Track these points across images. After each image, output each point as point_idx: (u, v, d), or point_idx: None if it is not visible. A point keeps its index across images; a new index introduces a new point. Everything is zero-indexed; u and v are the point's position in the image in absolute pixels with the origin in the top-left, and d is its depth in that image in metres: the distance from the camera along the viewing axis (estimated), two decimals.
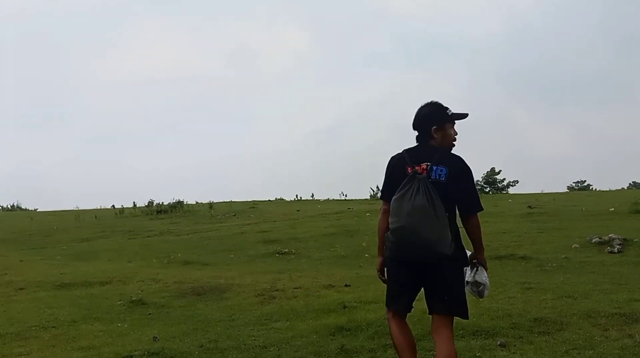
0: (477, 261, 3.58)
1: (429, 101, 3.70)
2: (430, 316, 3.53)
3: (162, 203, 27.12)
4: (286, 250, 13.06)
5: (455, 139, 3.67)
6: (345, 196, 31.14)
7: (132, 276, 9.76)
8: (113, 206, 27.79)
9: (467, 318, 3.51)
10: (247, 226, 19.15)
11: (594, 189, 46.52)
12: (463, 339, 4.75)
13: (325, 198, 31.23)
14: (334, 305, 6.42)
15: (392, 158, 3.66)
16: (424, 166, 3.43)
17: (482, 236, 3.53)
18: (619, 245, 10.24)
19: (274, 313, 6.44)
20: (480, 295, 3.60)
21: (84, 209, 30.89)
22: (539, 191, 30.06)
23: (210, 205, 26.31)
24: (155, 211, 25.58)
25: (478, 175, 41.77)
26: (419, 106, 3.70)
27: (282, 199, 33.06)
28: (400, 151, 3.66)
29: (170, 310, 7.09)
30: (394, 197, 3.43)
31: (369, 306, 6.28)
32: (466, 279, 3.55)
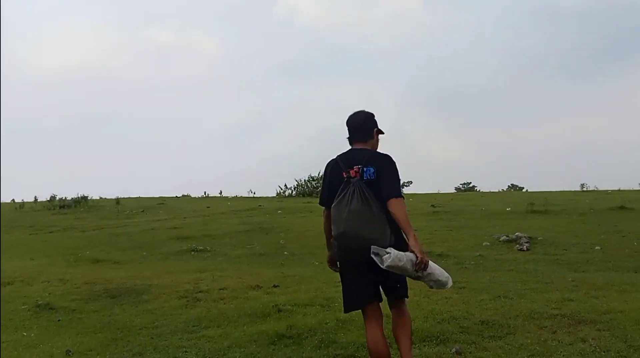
0: (410, 247, 3.38)
1: (360, 109, 3.73)
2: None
3: (65, 197, 25.20)
4: (201, 248, 12.20)
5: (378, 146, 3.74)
6: (254, 193, 30.40)
7: (36, 277, 8.61)
8: (13, 200, 25.44)
9: (407, 296, 3.67)
10: (156, 222, 18.00)
11: (478, 190, 48.55)
12: (415, 346, 4.26)
13: (234, 194, 30.35)
14: (268, 309, 5.75)
15: (328, 164, 3.62)
16: (356, 168, 3.42)
17: (408, 221, 3.37)
18: (527, 242, 10.27)
19: (202, 318, 5.67)
20: (381, 263, 3.30)
21: None
22: (435, 191, 30.78)
23: (117, 201, 24.73)
24: (57, 206, 23.68)
25: None
26: (354, 112, 3.70)
27: (189, 196, 31.80)
28: (334, 157, 3.61)
29: (82, 315, 6.14)
30: (333, 204, 3.43)
31: (306, 310, 5.67)
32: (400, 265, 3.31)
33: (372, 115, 3.69)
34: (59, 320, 5.93)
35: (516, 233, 10.76)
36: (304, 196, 28.77)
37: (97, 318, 6.00)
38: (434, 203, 20.22)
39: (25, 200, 26.30)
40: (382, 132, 3.70)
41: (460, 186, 55.05)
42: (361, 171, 3.42)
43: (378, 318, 3.50)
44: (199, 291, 7.04)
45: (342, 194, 3.38)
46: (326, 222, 3.63)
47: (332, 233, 3.44)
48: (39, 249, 12.83)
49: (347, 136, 3.68)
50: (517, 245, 10.18)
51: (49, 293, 7.21)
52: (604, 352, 4.14)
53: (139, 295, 6.99)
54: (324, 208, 3.64)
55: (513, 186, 52.33)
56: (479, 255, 9.58)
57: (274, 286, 7.15)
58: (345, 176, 3.43)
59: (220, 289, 7.06)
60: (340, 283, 3.65)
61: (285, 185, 30.26)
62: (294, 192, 29.79)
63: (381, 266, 3.27)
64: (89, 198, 25.20)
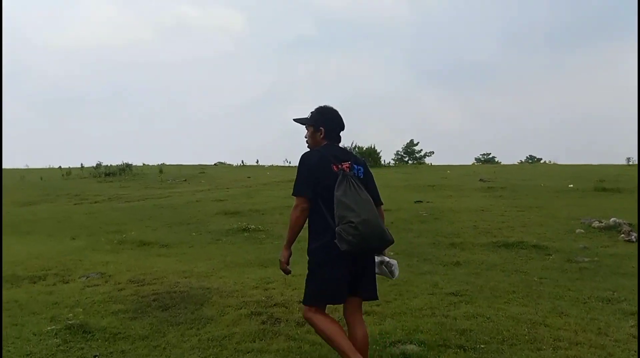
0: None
1: (325, 104, 3.31)
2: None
3: (111, 164, 23.21)
4: (253, 226, 10.03)
5: None
6: (289, 162, 28.19)
7: (73, 268, 6.50)
8: (60, 167, 23.46)
9: (378, 298, 3.19)
10: (200, 193, 15.85)
11: (498, 161, 45.86)
12: None
13: (269, 164, 28.15)
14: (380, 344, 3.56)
15: (309, 155, 3.13)
16: (347, 164, 3.12)
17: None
18: (630, 231, 7.86)
19: None
20: (393, 275, 3.18)
21: (31, 169, 26.34)
22: (453, 163, 28.30)
23: (160, 169, 22.64)
24: (103, 173, 21.68)
25: (398, 146, 39.35)
26: (324, 107, 3.31)
27: (225, 163, 29.69)
28: (313, 150, 3.20)
29: (127, 345, 3.99)
30: (337, 193, 2.95)
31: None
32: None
33: (340, 116, 3.33)
34: (95, 357, 3.79)
35: (612, 219, 8.39)
36: None
37: (146, 351, 3.85)
38: (477, 176, 17.89)
39: (71, 166, 24.37)
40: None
41: (480, 156, 52.38)
42: (351, 167, 3.13)
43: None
44: (274, 305, 4.84)
45: (344, 185, 2.98)
46: (302, 217, 3.09)
47: (347, 219, 2.87)
48: (82, 223, 10.74)
49: (328, 131, 3.26)
50: (622, 234, 7.82)
51: (85, 301, 5.07)
52: None
53: (198, 307, 4.82)
54: (300, 199, 3.07)
55: (532, 158, 49.55)
56: (584, 247, 7.28)
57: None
58: (336, 169, 3.07)
59: (299, 302, 4.87)
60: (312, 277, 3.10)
61: None
62: None
63: (391, 277, 3.20)
64: (133, 166, 23.16)
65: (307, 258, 3.13)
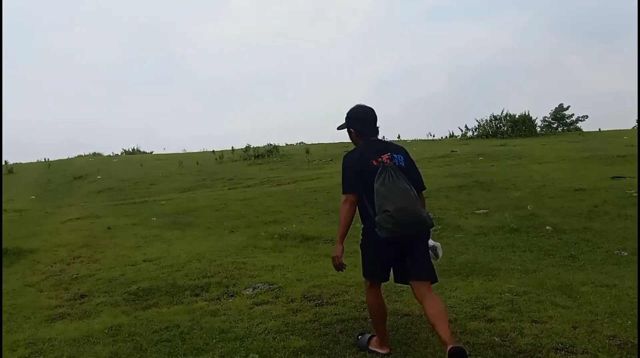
0: None
1: (361, 103, 3.43)
2: (408, 285, 3.23)
3: (258, 146, 23.00)
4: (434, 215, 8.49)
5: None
6: (433, 136, 26.05)
7: (237, 275, 5.46)
8: (213, 151, 23.84)
9: (437, 280, 3.25)
10: None
11: None
12: None
13: (411, 138, 26.26)
14: None
15: (350, 156, 3.30)
16: (386, 156, 3.20)
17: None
18: None
19: None
20: (437, 256, 3.37)
21: (188, 153, 27.33)
22: (610, 128, 24.02)
23: (307, 150, 21.93)
24: (252, 156, 21.48)
25: (545, 112, 34.66)
26: (359, 106, 3.42)
27: None
28: (353, 150, 3.34)
29: None
30: (376, 184, 3.07)
31: None
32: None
33: (374, 113, 3.42)
34: None
35: None
36: (487, 137, 23.86)
37: None
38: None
39: (223, 149, 24.70)
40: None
41: None
42: (391, 158, 3.19)
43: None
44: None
45: (383, 176, 3.08)
46: (351, 210, 3.22)
47: (385, 209, 2.98)
48: (239, 213, 9.98)
49: (359, 130, 3.37)
50: None
51: (257, 330, 3.88)
52: None
53: (409, 348, 3.40)
54: (348, 196, 3.21)
55: None
56: None
57: None
58: (376, 163, 3.15)
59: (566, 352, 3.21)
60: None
61: (466, 126, 25.48)
62: (475, 133, 24.95)
63: (436, 258, 3.34)
64: (279, 146, 22.76)
65: None
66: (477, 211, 8.52)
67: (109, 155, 29.53)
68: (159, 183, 17.66)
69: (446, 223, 7.93)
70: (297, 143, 26.43)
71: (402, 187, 3.03)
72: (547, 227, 7.10)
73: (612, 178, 10.18)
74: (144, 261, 6.40)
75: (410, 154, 3.35)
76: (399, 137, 25.83)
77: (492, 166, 13.41)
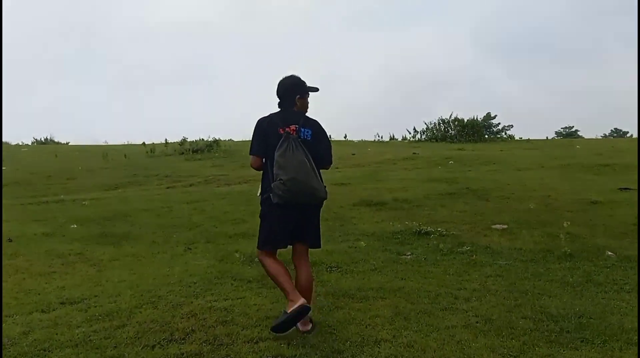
0: None
1: (290, 74, 3.53)
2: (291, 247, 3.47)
3: (200, 138, 20.23)
4: (427, 229, 6.64)
5: (308, 107, 3.55)
6: (381, 137, 24.55)
7: (226, 338, 3.26)
8: (143, 143, 20.84)
9: (320, 247, 3.54)
10: None
11: (581, 135, 40.45)
12: None
13: (358, 139, 24.60)
14: None
15: (262, 120, 3.41)
16: (293, 127, 3.33)
17: None
18: None
19: None
20: None
21: (113, 145, 23.95)
22: (534, 137, 23.83)
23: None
24: (189, 150, 18.81)
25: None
26: (283, 77, 3.51)
27: None
28: (267, 115, 3.43)
29: None
30: (276, 153, 3.25)
31: None
32: None
33: (296, 83, 3.48)
34: None
35: None
36: (437, 140, 22.70)
37: None
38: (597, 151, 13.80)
39: (154, 142, 21.72)
40: (308, 94, 3.54)
41: (562, 130, 46.87)
42: (298, 130, 3.34)
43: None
44: None
45: (284, 146, 3.24)
46: (260, 166, 3.44)
47: (280, 177, 3.20)
48: (189, 220, 7.65)
49: (280, 98, 3.50)
50: None
51: None
52: None
53: None
54: (253, 157, 3.46)
55: (617, 131, 43.79)
56: None
57: None
58: (282, 132, 3.30)
59: None
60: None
61: (415, 128, 24.20)
62: (423, 136, 23.74)
63: None
64: (220, 141, 20.20)
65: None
66: (495, 227, 6.80)
67: (18, 144, 25.47)
68: (79, 177, 14.67)
69: (466, 241, 6.13)
70: (237, 140, 23.94)
71: (299, 159, 3.21)
72: (609, 253, 5.47)
73: (619, 189, 8.90)
74: (62, 303, 4.00)
75: (322, 129, 3.46)
76: (345, 137, 24.11)
77: (469, 170, 11.91)
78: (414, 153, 15.69)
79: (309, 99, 3.58)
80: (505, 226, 6.76)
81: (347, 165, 14.37)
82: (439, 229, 6.63)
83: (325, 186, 3.33)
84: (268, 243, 3.38)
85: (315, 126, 3.42)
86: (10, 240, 6.35)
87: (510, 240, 6.21)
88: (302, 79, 3.53)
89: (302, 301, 3.16)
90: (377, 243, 6.21)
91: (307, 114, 3.50)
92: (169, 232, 6.98)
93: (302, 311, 3.16)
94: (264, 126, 3.37)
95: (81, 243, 6.36)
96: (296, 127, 3.33)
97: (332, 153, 3.47)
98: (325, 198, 3.32)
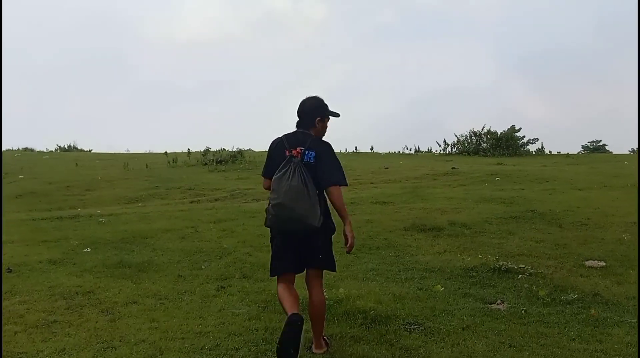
0: (345, 231, 3.23)
1: (313, 95, 3.41)
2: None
3: (222, 148, 19.19)
4: (510, 265, 5.37)
5: (326, 131, 3.45)
6: (410, 149, 23.27)
7: None
8: (165, 152, 19.84)
9: (335, 270, 3.41)
10: (351, 191, 11.28)
11: (609, 150, 38.61)
12: None
13: (385, 151, 23.36)
14: None
15: (273, 141, 3.39)
16: (298, 149, 3.24)
17: (345, 208, 3.24)
18: None
19: None
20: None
21: (134, 153, 23.09)
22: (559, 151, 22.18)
23: None
24: (213, 160, 17.74)
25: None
26: (305, 97, 3.40)
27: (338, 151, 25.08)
28: (280, 136, 3.37)
29: None
30: (274, 176, 3.19)
31: None
32: None
33: (319, 105, 3.39)
34: None
35: None
36: (468, 154, 21.38)
37: None
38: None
39: (176, 151, 20.76)
40: (329, 118, 3.43)
41: (588, 144, 45.02)
42: (302, 153, 3.23)
43: (290, 282, 3.29)
44: None
45: (284, 170, 3.18)
46: (266, 188, 3.40)
47: (270, 201, 3.17)
48: (218, 245, 6.51)
49: (299, 118, 3.40)
50: None
51: None
52: None
53: None
54: (264, 179, 3.41)
55: None
56: None
57: None
58: (287, 154, 3.23)
59: None
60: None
61: (445, 141, 22.86)
62: (454, 149, 22.41)
63: None
64: (244, 151, 19.13)
65: None
66: (589, 264, 5.53)
67: (41, 151, 24.79)
68: (98, 188, 13.67)
69: (564, 284, 4.86)
70: (258, 151, 22.87)
71: (293, 185, 3.10)
72: None
73: None
74: None
75: (328, 150, 3.31)
76: (372, 149, 22.90)
77: (522, 189, 10.60)
78: (453, 168, 14.38)
79: (328, 124, 3.47)
80: (603, 264, 5.48)
81: (382, 180, 13.15)
82: (520, 266, 5.37)
83: (320, 215, 3.13)
84: (273, 269, 3.32)
85: (320, 147, 3.29)
86: (9, 270, 5.26)
87: (618, 283, 4.94)
88: (324, 101, 3.42)
89: (291, 311, 3.03)
90: (451, 283, 4.98)
91: (323, 138, 3.40)
92: (196, 261, 5.85)
93: (292, 321, 2.97)
94: (273, 148, 3.36)
95: (93, 275, 5.24)
96: (301, 149, 3.24)
97: (344, 173, 3.28)
98: (317, 227, 3.12)
